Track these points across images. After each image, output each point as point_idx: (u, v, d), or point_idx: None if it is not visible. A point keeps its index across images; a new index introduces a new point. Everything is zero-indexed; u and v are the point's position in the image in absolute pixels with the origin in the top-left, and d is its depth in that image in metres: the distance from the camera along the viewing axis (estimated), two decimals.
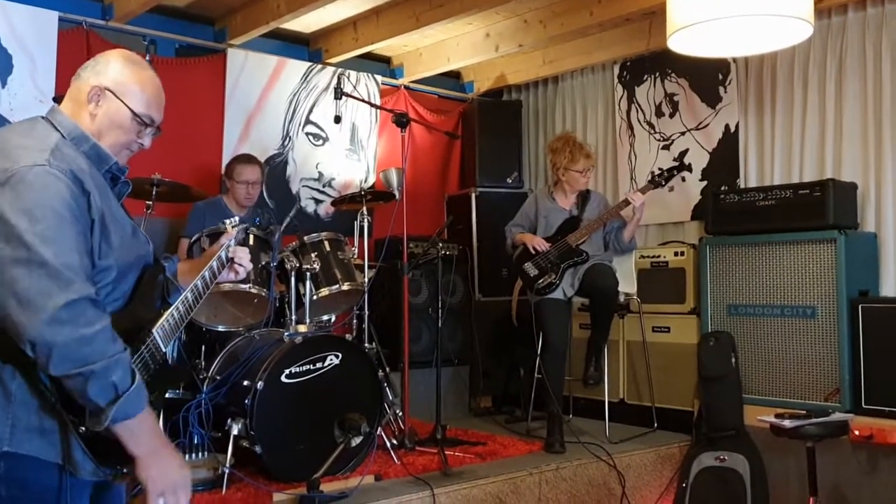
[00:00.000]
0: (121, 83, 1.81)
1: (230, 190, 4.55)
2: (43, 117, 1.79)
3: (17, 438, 1.61)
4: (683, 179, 5.12)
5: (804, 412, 3.76)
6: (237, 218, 2.20)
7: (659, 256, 4.92)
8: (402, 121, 4.30)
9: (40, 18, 4.35)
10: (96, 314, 1.59)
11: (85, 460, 1.66)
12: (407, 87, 6.12)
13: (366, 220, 4.42)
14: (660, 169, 4.68)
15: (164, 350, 1.86)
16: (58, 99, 1.89)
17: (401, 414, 4.25)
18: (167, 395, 3.68)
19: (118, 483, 1.86)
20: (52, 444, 1.64)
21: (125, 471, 1.75)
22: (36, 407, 1.63)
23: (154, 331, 1.82)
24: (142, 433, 1.66)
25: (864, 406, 3.93)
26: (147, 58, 3.60)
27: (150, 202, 3.98)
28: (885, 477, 3.81)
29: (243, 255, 2.12)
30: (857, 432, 3.80)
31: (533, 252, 4.44)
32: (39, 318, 1.53)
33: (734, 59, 4.95)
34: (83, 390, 1.57)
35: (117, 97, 1.80)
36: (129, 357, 1.64)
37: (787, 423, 3.65)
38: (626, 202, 4.43)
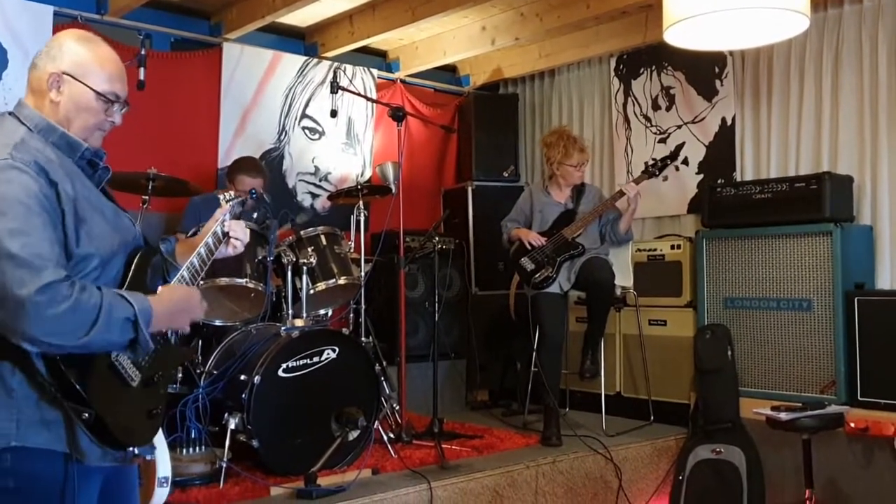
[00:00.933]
0: (78, 64, 1.78)
1: (229, 189, 4.52)
2: (10, 113, 1.78)
3: (22, 432, 1.62)
4: (677, 169, 5.13)
5: (800, 405, 3.77)
6: (231, 192, 2.19)
7: (655, 250, 4.92)
8: (398, 115, 4.29)
9: (35, 13, 4.33)
10: (66, 286, 1.60)
11: (91, 447, 1.68)
12: (403, 81, 6.11)
13: (362, 215, 4.42)
14: (653, 159, 4.68)
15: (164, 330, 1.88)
16: None
17: (398, 408, 4.25)
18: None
19: (128, 466, 1.87)
20: (58, 434, 1.65)
21: (136, 453, 1.78)
22: (38, 400, 1.64)
23: None
24: (162, 319, 1.77)
25: (859, 398, 3.94)
26: (142, 51, 3.58)
27: (147, 197, 3.97)
28: (880, 469, 3.83)
29: (238, 229, 2.10)
30: (852, 424, 3.82)
31: (529, 247, 4.44)
32: (22, 309, 1.54)
33: (730, 53, 4.95)
34: (109, 340, 1.64)
35: (77, 80, 1.78)
36: (111, 291, 1.69)
37: (783, 415, 3.66)
38: (621, 193, 4.44)
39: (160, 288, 1.85)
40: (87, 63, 1.79)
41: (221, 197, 2.15)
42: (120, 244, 1.81)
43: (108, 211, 1.80)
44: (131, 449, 1.77)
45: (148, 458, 1.94)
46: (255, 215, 3.77)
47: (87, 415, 1.65)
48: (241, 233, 2.10)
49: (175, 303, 1.84)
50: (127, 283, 1.81)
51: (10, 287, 1.55)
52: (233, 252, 2.12)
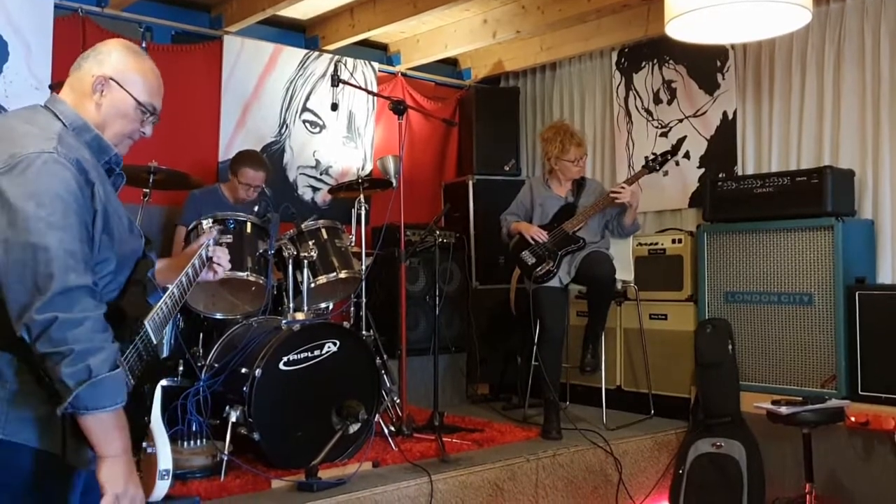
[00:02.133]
0: (123, 72, 1.82)
1: (231, 183, 4.53)
2: (42, 106, 1.79)
3: (11, 427, 1.62)
4: (678, 164, 5.12)
5: (800, 399, 3.77)
6: (211, 219, 2.24)
7: (656, 244, 4.92)
8: (399, 108, 4.29)
9: (36, 5, 4.32)
10: (92, 304, 1.59)
11: (80, 448, 1.65)
12: (404, 75, 6.10)
13: (363, 208, 4.41)
14: (653, 154, 4.66)
15: (154, 341, 1.88)
16: (54, 87, 1.89)
17: (398, 401, 4.26)
18: (165, 384, 3.71)
19: None
20: (47, 433, 1.64)
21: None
22: (33, 395, 1.63)
23: (146, 322, 1.84)
24: (114, 433, 1.62)
25: (860, 393, 3.94)
26: (143, 44, 3.58)
27: (147, 190, 3.97)
28: (880, 463, 3.83)
29: (222, 255, 2.17)
30: (853, 419, 3.82)
31: (531, 241, 4.44)
32: (38, 301, 1.54)
33: (732, 46, 4.94)
34: (56, 369, 1.55)
35: (121, 86, 1.81)
36: (116, 350, 1.63)
37: (783, 409, 3.67)
38: (613, 201, 4.39)
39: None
40: (131, 72, 1.83)
41: (205, 223, 2.22)
42: (131, 252, 1.84)
43: (124, 217, 1.82)
44: None
45: (150, 451, 1.94)
46: (256, 209, 3.79)
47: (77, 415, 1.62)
48: (223, 259, 2.18)
49: (132, 466, 1.68)
50: (129, 292, 1.83)
51: (38, 279, 1.54)
52: (213, 277, 2.17)
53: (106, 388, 1.58)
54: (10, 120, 1.74)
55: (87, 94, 1.79)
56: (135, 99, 1.82)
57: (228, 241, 2.58)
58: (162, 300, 1.92)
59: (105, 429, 1.61)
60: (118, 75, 1.81)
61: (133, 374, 1.78)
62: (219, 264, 2.16)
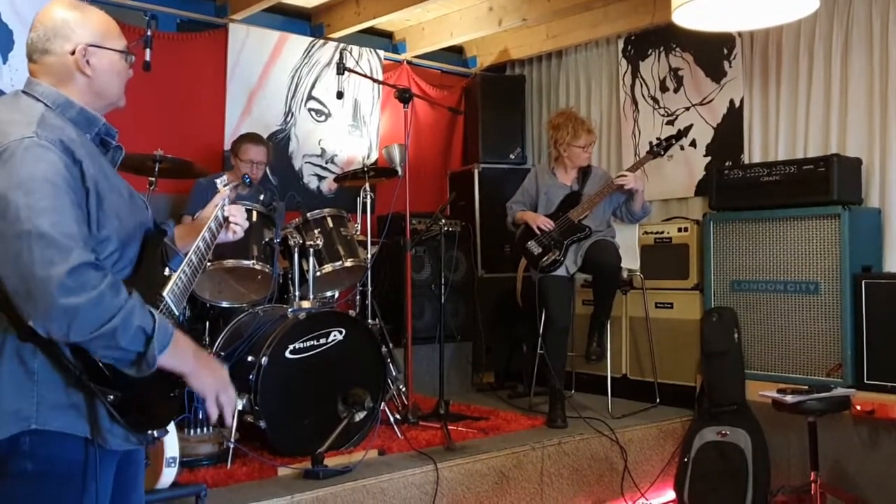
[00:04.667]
0: (94, 33, 1.77)
1: (234, 167, 4.54)
2: (23, 91, 1.75)
3: (43, 415, 1.60)
4: (682, 148, 5.11)
5: (806, 387, 3.77)
6: (225, 176, 2.17)
7: (662, 232, 4.91)
8: (404, 96, 4.28)
9: None
10: (98, 276, 1.56)
11: (115, 429, 1.66)
12: (409, 63, 6.09)
13: (368, 197, 4.42)
14: (658, 139, 4.65)
15: (176, 313, 1.85)
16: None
17: (404, 389, 4.27)
18: None
19: (142, 448, 1.86)
20: (80, 417, 1.63)
21: (157, 436, 1.79)
22: (61, 382, 1.61)
23: (165, 294, 1.81)
24: (182, 354, 1.71)
25: (865, 381, 3.93)
26: (148, 32, 3.56)
27: (153, 178, 3.97)
28: (886, 452, 3.83)
29: (238, 213, 2.10)
30: (858, 407, 3.81)
31: (536, 230, 4.43)
32: (47, 290, 1.50)
33: (739, 34, 4.91)
34: (115, 345, 1.56)
35: (101, 47, 1.77)
36: (139, 299, 1.64)
37: (789, 398, 3.67)
38: (620, 187, 4.39)
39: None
40: (99, 28, 1.79)
41: (219, 181, 2.14)
42: (137, 225, 1.80)
43: (124, 191, 1.78)
44: (151, 431, 1.76)
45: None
46: (261, 197, 3.79)
47: (112, 396, 1.63)
48: (240, 217, 2.10)
49: (206, 357, 1.82)
50: (142, 267, 1.80)
51: (37, 266, 1.51)
52: (232, 237, 2.11)
53: (161, 334, 1.63)
54: None
55: (71, 72, 1.75)
56: (117, 51, 1.79)
57: (248, 192, 2.42)
58: (180, 269, 1.88)
59: (175, 356, 1.68)
60: (93, 38, 1.76)
61: None
62: (236, 223, 2.09)
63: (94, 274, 1.55)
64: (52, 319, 1.52)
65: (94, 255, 1.60)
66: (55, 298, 1.50)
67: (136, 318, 1.59)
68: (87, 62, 1.75)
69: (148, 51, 3.59)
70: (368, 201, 4.41)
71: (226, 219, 2.08)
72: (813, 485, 3.66)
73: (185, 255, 1.94)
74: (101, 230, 1.67)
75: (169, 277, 1.85)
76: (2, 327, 1.60)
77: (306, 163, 5.54)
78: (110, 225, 1.69)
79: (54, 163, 1.59)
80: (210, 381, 1.77)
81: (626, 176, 4.37)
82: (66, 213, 1.57)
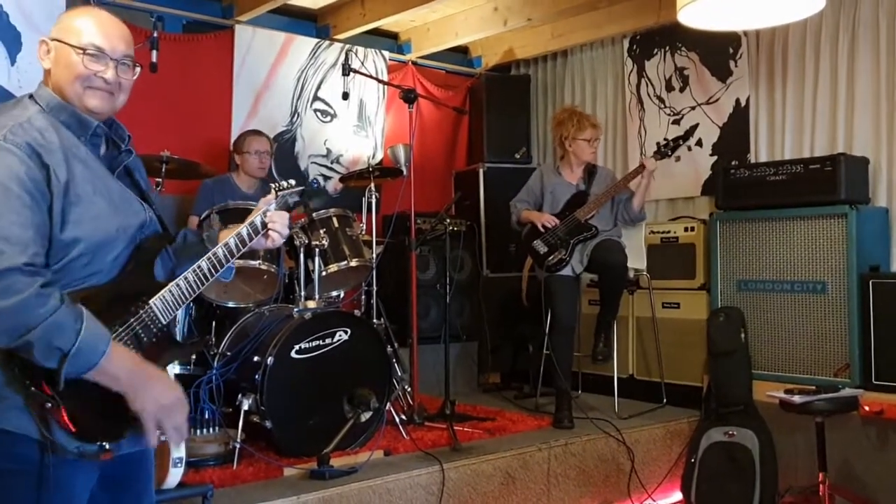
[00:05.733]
0: (61, 28, 1.79)
1: (241, 164, 4.56)
2: (30, 95, 1.79)
3: (3, 415, 1.60)
4: (689, 149, 5.09)
5: (814, 388, 3.76)
6: (284, 182, 2.04)
7: (669, 232, 4.90)
8: (409, 97, 4.28)
9: None
10: (27, 281, 1.54)
11: (65, 438, 1.62)
12: (415, 63, 6.09)
13: (374, 197, 4.42)
14: (665, 139, 4.64)
15: (163, 322, 1.80)
16: None
17: (410, 389, 4.27)
18: (178, 371, 3.74)
19: (140, 453, 1.83)
20: (31, 420, 1.61)
21: (106, 448, 1.68)
22: (17, 384, 1.60)
23: (151, 302, 1.78)
24: (115, 371, 1.63)
25: (873, 382, 3.92)
26: (154, 34, 3.57)
27: (160, 179, 3.98)
28: (894, 452, 3.81)
29: (279, 220, 1.98)
30: (866, 408, 3.80)
31: (542, 229, 4.42)
32: None
33: (745, 33, 4.89)
34: (31, 356, 1.55)
35: (59, 41, 1.77)
36: (68, 312, 1.57)
37: (796, 398, 3.65)
38: (643, 166, 4.42)
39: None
40: (66, 24, 1.79)
41: (273, 185, 2.01)
42: (119, 229, 1.76)
43: (114, 194, 1.76)
44: (102, 444, 1.67)
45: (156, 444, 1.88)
46: (315, 184, 3.76)
47: (49, 404, 1.60)
48: (280, 224, 1.98)
49: (152, 379, 1.70)
50: (129, 271, 1.77)
51: None
52: (271, 245, 2.00)
53: (82, 353, 1.57)
54: None
55: (45, 69, 1.79)
56: (69, 45, 1.76)
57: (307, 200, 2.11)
58: (181, 276, 1.84)
59: (106, 373, 1.61)
60: (57, 33, 1.78)
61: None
62: (275, 231, 1.96)
63: (21, 279, 1.53)
64: None
65: (39, 258, 1.59)
66: None
67: (55, 334, 1.55)
68: (49, 54, 1.79)
69: (154, 52, 3.61)
70: (374, 201, 4.42)
71: (265, 225, 1.97)
72: (821, 485, 3.64)
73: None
74: (66, 232, 1.65)
75: (163, 284, 1.82)
76: None
77: (312, 163, 5.55)
78: (80, 229, 1.67)
79: (11, 165, 1.60)
80: (149, 404, 1.67)
81: (651, 160, 4.43)
82: (9, 216, 1.56)
